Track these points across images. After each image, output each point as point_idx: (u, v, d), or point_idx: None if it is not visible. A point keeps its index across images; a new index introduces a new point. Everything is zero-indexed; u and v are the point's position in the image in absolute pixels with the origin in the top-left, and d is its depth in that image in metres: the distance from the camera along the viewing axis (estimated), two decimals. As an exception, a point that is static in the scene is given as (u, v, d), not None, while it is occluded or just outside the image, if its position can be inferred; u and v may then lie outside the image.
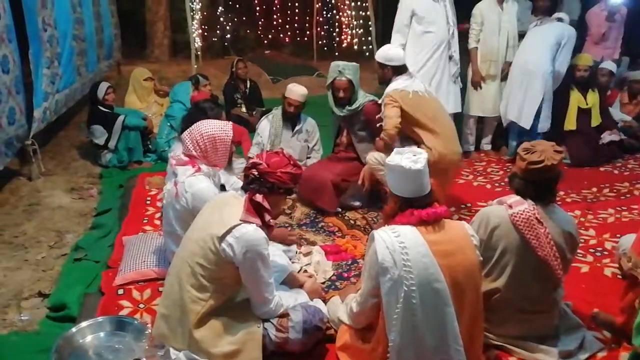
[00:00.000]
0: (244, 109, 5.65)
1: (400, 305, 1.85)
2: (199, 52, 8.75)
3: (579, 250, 3.09)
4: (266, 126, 3.93)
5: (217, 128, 2.56)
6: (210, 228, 2.04)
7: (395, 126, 3.11)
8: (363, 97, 3.60)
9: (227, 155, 2.63)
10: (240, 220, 2.01)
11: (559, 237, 2.07)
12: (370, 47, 8.00)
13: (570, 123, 4.79)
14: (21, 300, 2.66)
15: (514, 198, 2.11)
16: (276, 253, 2.61)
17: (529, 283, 2.12)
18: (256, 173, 2.08)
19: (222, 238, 1.99)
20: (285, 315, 2.13)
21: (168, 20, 9.90)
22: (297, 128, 3.95)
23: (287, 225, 3.41)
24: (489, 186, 4.31)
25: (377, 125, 3.29)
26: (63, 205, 3.79)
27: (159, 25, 9.96)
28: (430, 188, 1.96)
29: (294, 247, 3.02)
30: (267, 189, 2.07)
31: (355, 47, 9.12)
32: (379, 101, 3.37)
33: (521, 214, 2.04)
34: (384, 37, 4.34)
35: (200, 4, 9.25)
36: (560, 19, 4.57)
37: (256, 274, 2.03)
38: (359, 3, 8.08)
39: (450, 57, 4.39)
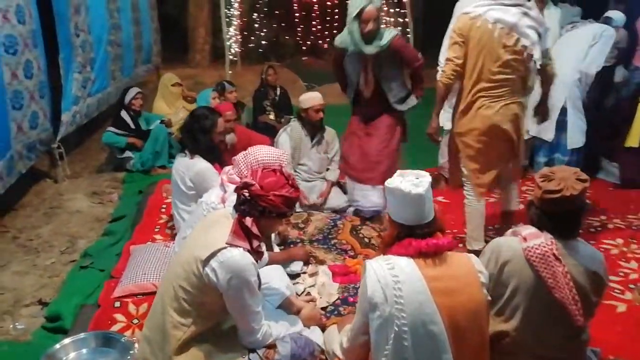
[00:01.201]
0: (272, 116, 5.56)
1: (389, 347, 1.66)
2: (236, 58, 8.80)
3: (615, 286, 2.79)
4: (286, 140, 3.81)
5: (274, 157, 2.52)
6: (195, 250, 1.92)
7: (453, 71, 2.82)
8: (387, 32, 3.24)
9: None
10: (226, 244, 1.88)
11: (581, 277, 1.81)
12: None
13: (633, 139, 4.26)
14: (21, 307, 2.65)
15: (529, 229, 1.86)
16: (275, 274, 2.47)
17: (545, 327, 1.86)
18: (247, 194, 1.94)
19: (205, 262, 1.86)
20: (272, 346, 1.98)
21: (209, 26, 10.03)
22: (316, 139, 3.80)
23: (299, 240, 3.26)
24: (521, 206, 4.00)
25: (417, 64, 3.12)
26: (81, 210, 3.81)
27: (200, 30, 10.11)
28: (434, 216, 1.76)
29: (300, 264, 2.88)
30: (258, 212, 1.93)
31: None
32: None
33: (536, 249, 1.79)
34: (424, 43, 4.05)
35: (239, 10, 9.31)
36: (607, 19, 4.15)
37: (241, 302, 1.89)
38: (397, 9, 7.85)
39: None
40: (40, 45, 3.81)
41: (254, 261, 1.93)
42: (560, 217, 1.80)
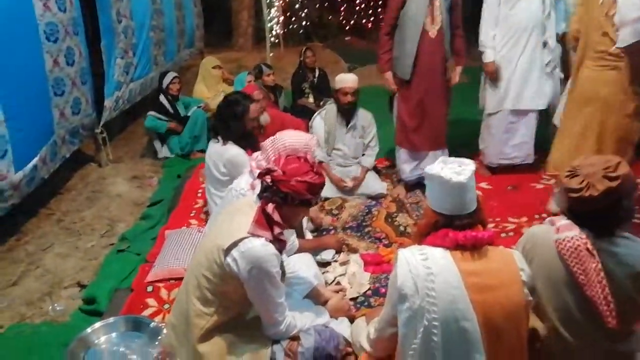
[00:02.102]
0: (311, 99, 5.48)
1: (417, 341, 1.57)
2: (277, 40, 8.74)
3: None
4: (320, 124, 3.72)
5: (301, 142, 2.45)
6: (218, 238, 1.89)
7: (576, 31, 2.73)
8: None
9: None
10: (248, 233, 1.84)
11: (622, 277, 1.63)
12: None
13: None
14: (61, 289, 2.74)
15: (564, 220, 1.70)
16: (303, 263, 2.42)
17: (584, 327, 1.70)
18: (269, 180, 1.88)
19: (227, 251, 1.83)
20: (296, 338, 1.93)
21: (253, 9, 9.99)
22: (351, 124, 3.69)
23: (331, 228, 3.20)
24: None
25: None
26: (121, 194, 3.90)
27: (244, 14, 10.08)
28: (477, 207, 1.64)
29: (332, 252, 2.82)
30: (280, 199, 1.87)
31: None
32: None
33: (568, 242, 1.63)
34: (475, 22, 3.81)
35: (282, -9, 9.22)
36: None
37: (263, 293, 1.85)
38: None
39: (545, 44, 3.73)
40: (81, 32, 3.88)
41: (277, 251, 1.88)
42: (588, 216, 1.63)
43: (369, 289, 2.55)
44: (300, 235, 2.74)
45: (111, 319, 2.19)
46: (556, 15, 3.77)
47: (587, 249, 1.60)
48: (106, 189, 4.02)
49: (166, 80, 4.66)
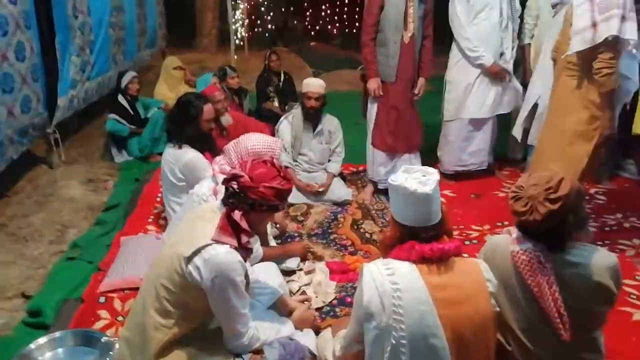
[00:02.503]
0: (276, 103, 5.39)
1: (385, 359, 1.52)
2: (242, 43, 8.62)
3: (631, 291, 2.61)
4: (286, 128, 3.64)
5: (265, 145, 2.37)
6: (178, 246, 1.79)
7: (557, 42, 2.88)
8: None
9: None
10: (212, 240, 1.74)
11: (580, 288, 1.63)
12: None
13: (638, 126, 4.04)
14: (4, 299, 2.54)
15: (518, 232, 1.70)
16: (268, 271, 2.33)
17: (545, 339, 1.69)
18: (236, 186, 1.80)
19: (188, 259, 1.73)
20: (259, 351, 1.84)
21: (217, 10, 9.83)
22: (317, 129, 3.63)
23: (296, 234, 3.12)
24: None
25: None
26: (74, 198, 3.70)
27: (208, 14, 9.91)
28: (442, 217, 1.60)
29: (297, 260, 2.74)
30: (247, 206, 1.79)
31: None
32: None
33: (522, 254, 1.64)
34: (439, 32, 3.86)
35: (247, -7, 9.12)
36: None
37: (226, 303, 1.75)
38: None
39: (501, 55, 3.85)
40: (34, 26, 3.66)
41: (242, 259, 1.79)
42: (537, 233, 1.63)
43: (335, 298, 2.48)
44: (265, 242, 2.65)
45: (58, 333, 2.04)
46: (515, 28, 3.88)
47: (540, 262, 1.60)
48: (58, 192, 3.79)
49: (125, 80, 4.47)
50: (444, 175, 4.01)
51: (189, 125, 2.85)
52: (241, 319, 1.80)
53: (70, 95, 4.40)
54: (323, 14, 10.48)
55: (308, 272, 2.64)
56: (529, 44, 4.21)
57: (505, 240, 1.72)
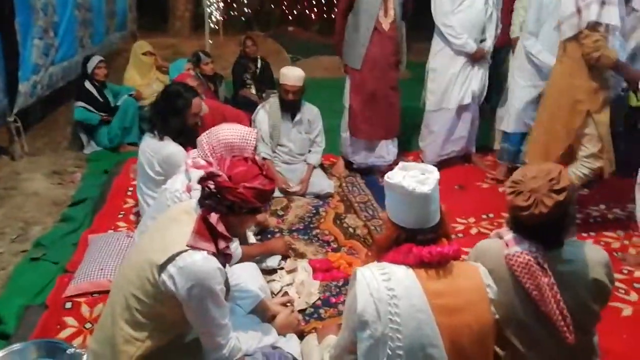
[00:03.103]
0: (253, 90, 5.20)
1: (380, 371, 1.41)
2: (216, 27, 8.34)
3: (619, 285, 2.57)
4: (264, 118, 3.48)
5: (238, 136, 2.21)
6: (150, 252, 1.62)
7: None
8: None
9: None
10: (187, 246, 1.59)
11: (577, 286, 1.56)
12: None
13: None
14: (-40, 306, 2.33)
15: (511, 234, 1.61)
16: (247, 273, 2.20)
17: (546, 346, 1.62)
18: (213, 187, 1.64)
19: (162, 267, 1.57)
20: (241, 362, 1.71)
21: (190, -7, 9.47)
22: (297, 118, 3.47)
23: (277, 230, 2.98)
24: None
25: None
26: (38, 192, 3.46)
27: (181, -4, 9.55)
28: (441, 218, 1.49)
29: (277, 258, 2.61)
30: (225, 208, 1.63)
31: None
32: None
33: (518, 257, 1.55)
34: (416, 22, 3.79)
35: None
36: None
37: (205, 314, 1.61)
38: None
39: (482, 41, 3.76)
40: (-11, 6, 3.38)
41: (221, 265, 1.64)
42: (536, 230, 1.54)
43: (319, 298, 2.37)
44: (244, 241, 2.50)
45: (18, 345, 1.85)
46: (499, 15, 3.80)
47: (538, 263, 1.52)
48: (20, 185, 3.55)
49: (91, 65, 4.21)
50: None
51: (175, 118, 2.68)
52: (221, 330, 1.66)
53: (33, 81, 4.12)
54: (300, -2, 10.22)
55: (290, 271, 2.51)
56: (519, 37, 4.11)
57: (496, 244, 1.62)
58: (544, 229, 1.54)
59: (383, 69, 3.50)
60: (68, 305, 2.26)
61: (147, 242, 1.71)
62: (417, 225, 1.45)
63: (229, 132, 2.25)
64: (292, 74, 3.36)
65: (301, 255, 2.72)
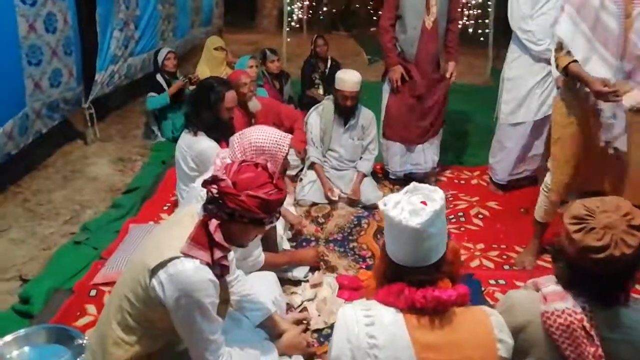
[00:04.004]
0: (321, 91, 5.10)
1: None
2: (298, 25, 8.36)
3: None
4: (316, 120, 3.35)
5: (271, 140, 2.12)
6: (146, 255, 1.56)
7: None
8: None
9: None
10: (181, 253, 1.50)
11: (627, 358, 1.25)
12: (487, 31, 6.90)
13: None
14: (2, 281, 2.47)
15: (553, 286, 1.31)
16: (262, 283, 2.08)
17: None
18: (215, 191, 1.54)
19: (153, 272, 1.50)
20: (230, 382, 1.60)
21: (280, -9, 9.61)
22: (350, 123, 3.31)
23: (313, 239, 2.85)
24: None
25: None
26: (99, 177, 3.63)
27: (269, -6, 9.72)
28: (442, 256, 1.26)
29: (305, 269, 2.48)
30: (225, 215, 1.53)
31: (470, 30, 7.99)
32: None
33: (558, 317, 1.25)
34: (505, 22, 3.44)
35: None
36: None
37: (192, 326, 1.52)
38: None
39: None
40: (70, -2, 3.59)
41: (214, 277, 1.54)
42: (602, 280, 1.24)
43: (340, 319, 2.19)
44: (273, 247, 2.40)
45: (22, 331, 1.89)
46: None
47: (584, 328, 1.23)
48: (85, 169, 3.75)
49: (160, 57, 4.34)
50: (495, 185, 3.58)
51: (208, 111, 2.66)
52: (209, 345, 1.56)
53: (111, 71, 4.34)
54: (387, -3, 9.95)
55: (314, 286, 2.37)
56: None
57: (532, 297, 1.34)
58: (609, 280, 1.25)
59: (426, 70, 3.31)
60: (93, 292, 2.30)
61: (148, 243, 1.66)
62: (408, 262, 1.24)
63: (262, 136, 2.15)
64: (349, 79, 3.20)
65: (332, 269, 2.56)
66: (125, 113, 5.08)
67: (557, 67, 2.35)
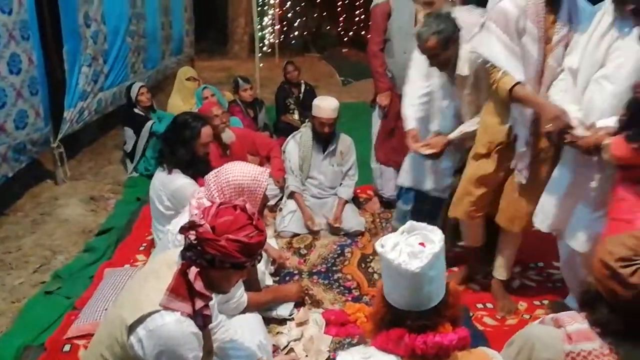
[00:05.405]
0: (296, 116, 5.07)
1: None
2: (269, 50, 8.41)
3: None
4: (294, 148, 3.31)
5: (249, 177, 2.04)
6: (123, 309, 1.48)
7: None
8: None
9: (255, 208, 2.07)
10: (160, 306, 1.42)
11: None
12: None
13: None
14: (-32, 340, 2.32)
15: (577, 323, 1.27)
16: (247, 326, 2.00)
17: None
18: (193, 238, 1.47)
19: (131, 328, 1.41)
20: None
21: (250, 16, 9.64)
22: (329, 150, 3.27)
23: (296, 272, 2.78)
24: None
25: None
26: (70, 219, 3.49)
27: (240, 20, 9.76)
28: (443, 299, 1.21)
29: (290, 307, 2.40)
30: (206, 262, 1.46)
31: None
32: None
33: (584, 358, 1.21)
34: None
35: (277, -1, 8.90)
36: None
37: (173, 384, 1.43)
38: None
39: None
40: (34, 37, 3.49)
41: (197, 329, 1.46)
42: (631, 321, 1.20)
43: (329, 357, 2.12)
44: (254, 286, 2.32)
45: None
46: None
47: None
48: (55, 211, 3.61)
49: (133, 93, 4.25)
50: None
51: (183, 148, 2.59)
52: (192, 402, 1.47)
53: (80, 107, 4.24)
54: (357, 19, 10.09)
55: (300, 324, 2.29)
56: None
57: (553, 334, 1.29)
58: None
59: None
60: (67, 348, 2.17)
61: (124, 296, 1.57)
62: (408, 306, 1.19)
63: (239, 173, 2.07)
64: (326, 106, 3.17)
65: (317, 304, 2.49)
66: (97, 149, 4.96)
67: (494, 87, 2.13)
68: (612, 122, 1.79)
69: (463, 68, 2.34)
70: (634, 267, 1.16)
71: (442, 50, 2.31)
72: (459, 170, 2.60)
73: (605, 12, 1.86)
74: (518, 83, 2.05)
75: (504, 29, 2.06)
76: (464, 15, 2.40)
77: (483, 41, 2.16)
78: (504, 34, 2.06)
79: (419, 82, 2.64)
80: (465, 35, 2.33)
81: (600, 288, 1.22)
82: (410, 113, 2.63)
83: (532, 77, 2.11)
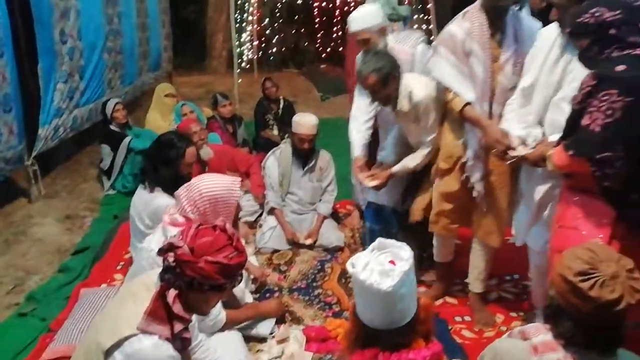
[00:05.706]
0: (275, 131, 5.10)
1: None
2: (248, 65, 8.44)
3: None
4: (274, 164, 3.32)
5: (222, 187, 2.02)
6: (99, 333, 1.46)
7: None
8: None
9: (230, 219, 2.06)
10: (138, 329, 1.41)
11: None
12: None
13: None
14: (-63, 366, 2.25)
15: (542, 335, 1.31)
16: (227, 345, 1.99)
17: None
18: (172, 260, 1.46)
19: (108, 353, 1.40)
20: None
21: (228, 31, 9.68)
22: (308, 165, 3.30)
23: (276, 289, 2.78)
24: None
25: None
26: (45, 238, 3.42)
27: (218, 36, 9.77)
28: (414, 317, 1.24)
29: (270, 324, 2.39)
30: (184, 284, 1.45)
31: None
32: None
33: None
34: None
35: (257, 14, 8.94)
36: None
37: (152, 409, 1.41)
38: (421, 15, 7.31)
39: None
40: (8, 54, 3.45)
41: (175, 352, 1.45)
42: (607, 329, 1.24)
43: (309, 375, 2.12)
44: (233, 303, 2.31)
45: None
46: None
47: None
48: (29, 230, 3.53)
49: (109, 110, 4.21)
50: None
51: (167, 168, 2.57)
52: None
53: (55, 125, 4.18)
54: (335, 36, 10.21)
55: (280, 341, 2.28)
56: None
57: (521, 347, 1.32)
58: (616, 329, 1.24)
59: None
60: (41, 371, 2.13)
61: (101, 320, 1.55)
62: (381, 325, 1.21)
63: (211, 185, 2.05)
64: (305, 123, 3.20)
65: (298, 320, 2.49)
66: (73, 165, 4.88)
67: (449, 106, 2.27)
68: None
69: (403, 104, 2.42)
70: (592, 281, 1.19)
71: (382, 87, 2.38)
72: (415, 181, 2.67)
73: (559, 34, 1.95)
74: (468, 104, 2.18)
75: (452, 51, 2.19)
76: (395, 48, 2.58)
77: (434, 64, 2.28)
78: (452, 55, 2.19)
79: (366, 107, 2.70)
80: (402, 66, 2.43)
81: (561, 302, 1.25)
82: (358, 139, 2.69)
83: (481, 96, 2.21)
